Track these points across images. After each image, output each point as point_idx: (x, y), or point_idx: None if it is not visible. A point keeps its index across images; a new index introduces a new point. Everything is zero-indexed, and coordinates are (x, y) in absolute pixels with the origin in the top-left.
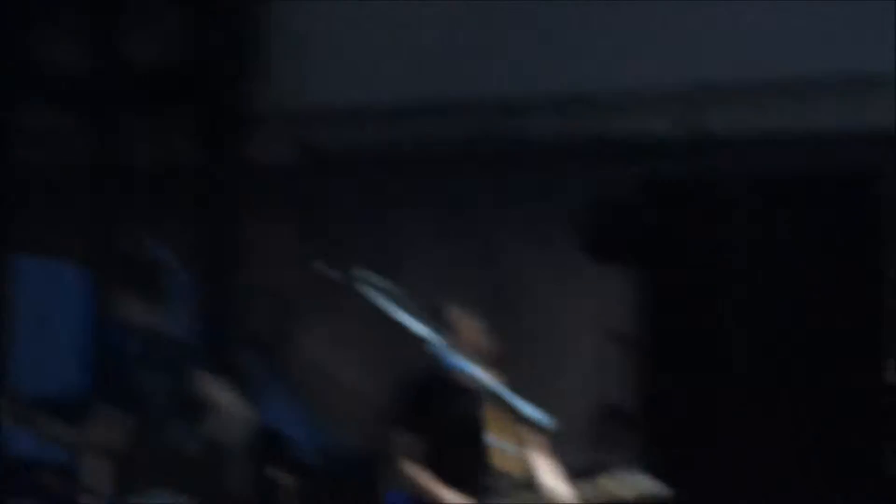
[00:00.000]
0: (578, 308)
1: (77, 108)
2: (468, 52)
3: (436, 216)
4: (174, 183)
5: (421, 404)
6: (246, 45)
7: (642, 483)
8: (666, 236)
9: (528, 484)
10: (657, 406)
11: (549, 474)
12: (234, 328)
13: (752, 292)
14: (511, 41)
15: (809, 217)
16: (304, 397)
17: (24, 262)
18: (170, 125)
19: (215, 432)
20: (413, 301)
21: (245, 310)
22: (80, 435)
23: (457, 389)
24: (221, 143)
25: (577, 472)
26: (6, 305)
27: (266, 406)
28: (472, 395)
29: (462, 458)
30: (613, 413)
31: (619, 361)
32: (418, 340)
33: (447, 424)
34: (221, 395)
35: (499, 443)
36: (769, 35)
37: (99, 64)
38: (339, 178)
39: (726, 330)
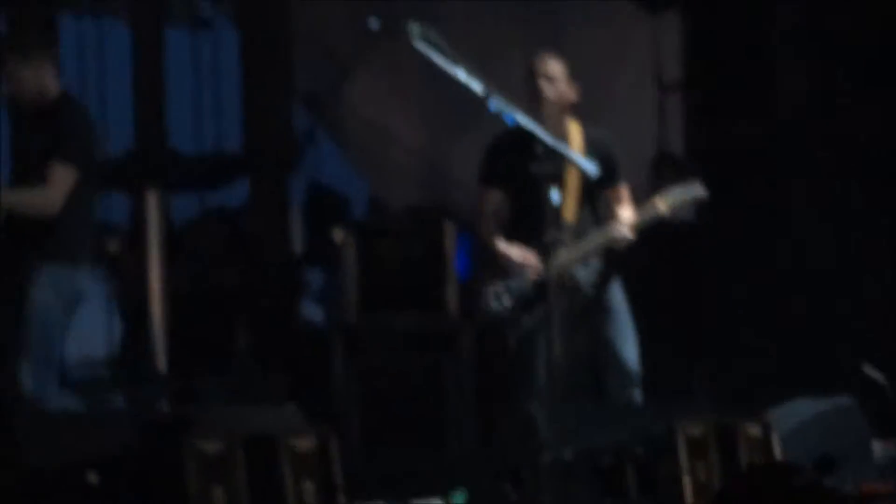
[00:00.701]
0: (634, 58)
1: None
2: None
3: None
4: None
5: (489, 158)
6: None
7: (690, 190)
8: None
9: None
10: (710, 153)
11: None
12: (283, 85)
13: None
14: None
15: None
16: (358, 154)
17: None
18: None
19: None
20: (469, 56)
21: (296, 65)
22: None
23: (520, 144)
24: None
25: None
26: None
27: (319, 162)
28: (533, 151)
29: (528, 212)
30: (668, 161)
31: (674, 110)
32: (474, 96)
33: (513, 179)
34: None
35: (560, 196)
36: None
37: None
38: None
39: (781, 79)
